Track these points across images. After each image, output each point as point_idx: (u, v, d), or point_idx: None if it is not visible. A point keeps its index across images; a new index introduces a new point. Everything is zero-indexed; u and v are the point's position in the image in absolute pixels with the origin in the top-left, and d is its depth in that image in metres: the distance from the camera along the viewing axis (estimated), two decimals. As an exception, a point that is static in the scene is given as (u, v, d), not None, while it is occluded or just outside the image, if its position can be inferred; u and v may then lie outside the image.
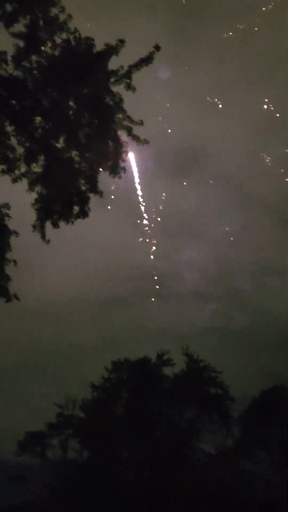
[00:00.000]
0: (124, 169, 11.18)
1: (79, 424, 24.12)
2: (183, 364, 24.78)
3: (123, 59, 10.75)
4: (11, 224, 10.71)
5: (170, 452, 23.05)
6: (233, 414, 23.81)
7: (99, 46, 10.41)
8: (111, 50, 10.28)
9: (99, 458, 23.59)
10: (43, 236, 11.27)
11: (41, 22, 10.32)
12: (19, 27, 10.30)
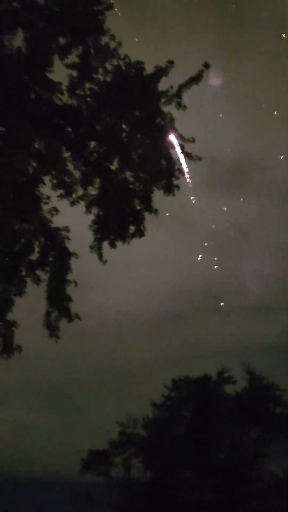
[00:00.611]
0: (177, 186, 11.24)
1: (141, 443, 24.03)
2: (245, 382, 24.07)
3: (173, 77, 10.91)
4: (70, 246, 11.03)
5: (236, 474, 22.28)
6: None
7: (148, 67, 10.63)
8: (161, 72, 10.48)
9: (162, 478, 23.27)
10: (100, 257, 11.52)
11: (92, 51, 10.72)
12: (72, 57, 10.76)
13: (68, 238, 10.98)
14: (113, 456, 24.68)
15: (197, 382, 24.37)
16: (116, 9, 10.37)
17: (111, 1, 10.34)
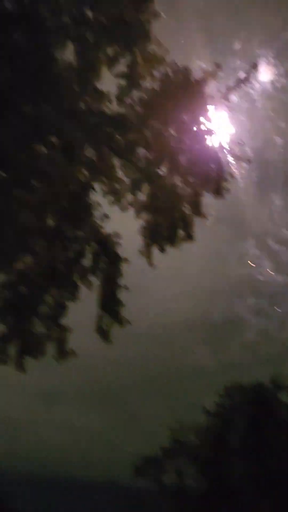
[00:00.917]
0: (227, 189, 11.12)
1: (194, 450, 23.77)
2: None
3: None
4: (121, 252, 11.18)
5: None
6: None
7: (195, 70, 10.62)
8: (208, 76, 10.44)
9: (217, 487, 22.87)
10: (150, 261, 11.58)
11: (140, 60, 10.87)
12: (120, 67, 10.96)
13: (119, 244, 11.13)
14: (165, 463, 24.56)
15: (251, 390, 23.81)
16: (162, 16, 10.45)
17: (157, 10, 10.46)
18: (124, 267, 11.19)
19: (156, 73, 10.78)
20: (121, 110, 10.99)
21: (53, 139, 10.16)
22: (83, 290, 10.75)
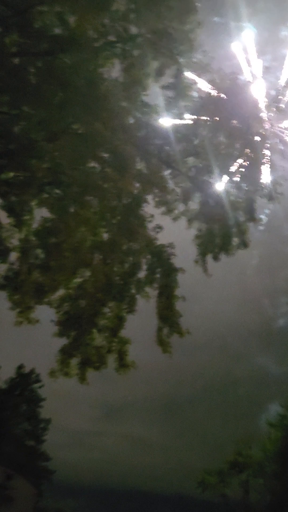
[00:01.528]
0: (281, 193, 10.83)
1: (259, 464, 22.97)
2: None
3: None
4: (176, 262, 11.13)
5: None
6: None
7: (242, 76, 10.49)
8: (256, 79, 10.28)
9: (281, 501, 21.89)
10: (205, 270, 11.45)
11: (185, 70, 10.89)
12: (166, 79, 11.02)
13: (174, 254, 11.09)
14: (231, 476, 23.92)
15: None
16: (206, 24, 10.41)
17: (200, 19, 10.43)
18: (180, 277, 11.12)
19: (202, 81, 10.76)
20: (173, 121, 11.04)
21: (105, 154, 10.36)
22: (142, 302, 10.78)
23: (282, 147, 10.99)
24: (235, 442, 23.80)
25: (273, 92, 10.65)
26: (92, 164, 10.08)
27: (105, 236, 10.52)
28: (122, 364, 10.20)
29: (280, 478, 22.02)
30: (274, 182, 11.18)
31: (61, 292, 10.22)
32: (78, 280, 10.26)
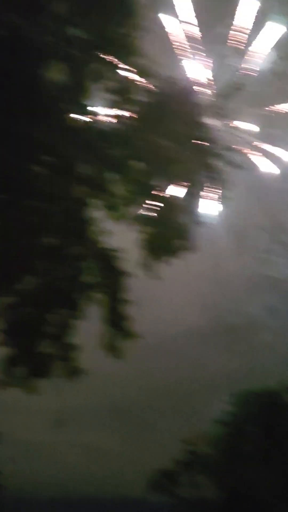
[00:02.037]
0: (227, 197, 11.12)
1: (209, 462, 23.43)
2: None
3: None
4: (125, 265, 11.10)
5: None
6: None
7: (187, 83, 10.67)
8: (200, 87, 10.49)
9: (234, 497, 22.52)
10: (155, 274, 11.53)
11: (130, 74, 10.91)
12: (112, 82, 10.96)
13: (121, 259, 11.04)
14: (181, 476, 24.20)
15: (262, 396, 23.60)
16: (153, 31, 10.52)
17: (145, 24, 10.50)
18: (130, 280, 11.10)
19: (148, 86, 10.82)
20: (114, 124, 11.00)
21: (48, 158, 10.15)
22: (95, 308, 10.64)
23: (225, 151, 11.26)
24: (186, 442, 24.12)
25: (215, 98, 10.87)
26: (36, 167, 9.84)
27: (50, 241, 10.30)
28: (71, 371, 10.02)
29: (229, 474, 22.62)
30: (220, 186, 11.43)
31: (4, 299, 9.87)
32: (22, 287, 9.96)
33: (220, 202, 11.21)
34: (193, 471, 23.61)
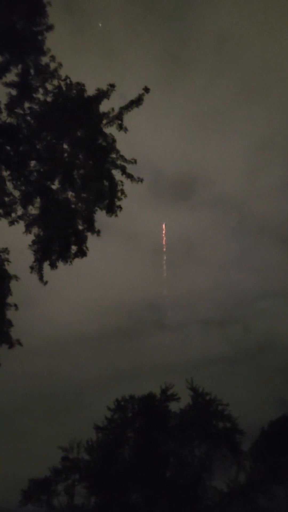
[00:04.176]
0: (120, 207, 11.26)
1: (85, 467, 23.34)
2: (189, 398, 24.24)
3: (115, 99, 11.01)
4: (11, 268, 10.66)
5: (182, 492, 22.22)
6: (245, 447, 23.14)
7: (90, 89, 10.67)
8: (102, 94, 10.55)
9: (108, 503, 22.69)
10: (41, 278, 11.23)
11: (32, 71, 10.61)
12: (11, 76, 10.57)
13: (8, 260, 10.59)
14: (56, 484, 23.72)
15: (141, 401, 24.20)
16: (56, 30, 10.36)
17: (51, 22, 10.34)
18: (14, 283, 10.68)
19: (49, 86, 10.61)
20: (12, 120, 10.58)
21: None
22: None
23: (122, 162, 11.37)
24: (62, 449, 23.76)
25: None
26: None
27: None
28: None
29: (105, 479, 22.77)
30: (113, 196, 11.53)
31: None
32: None
33: (114, 211, 11.31)
34: (68, 479, 23.32)
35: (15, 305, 10.38)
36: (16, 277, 10.58)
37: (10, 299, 10.42)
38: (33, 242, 11.39)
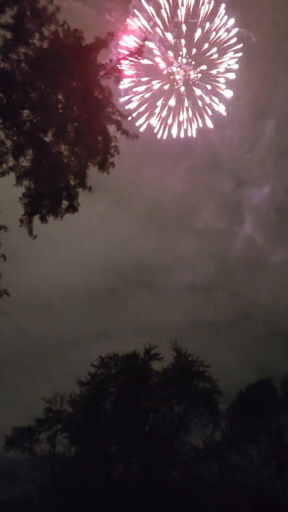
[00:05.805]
0: (113, 164, 11.05)
1: (67, 419, 24.10)
2: (173, 358, 24.83)
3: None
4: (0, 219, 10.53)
5: (159, 447, 23.15)
6: (222, 407, 24.01)
7: (88, 39, 10.23)
8: (100, 43, 10.13)
9: (88, 453, 23.61)
10: (30, 231, 11.13)
11: (28, 14, 10.11)
12: (6, 18, 10.08)
13: (-4, 211, 10.43)
14: (39, 433, 24.56)
15: (125, 360, 24.75)
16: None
17: None
18: (3, 235, 10.58)
19: (45, 31, 10.14)
20: (5, 65, 10.16)
21: None
22: None
23: (117, 117, 11.07)
24: (46, 400, 24.45)
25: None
26: None
27: None
28: None
29: (85, 429, 23.59)
30: (107, 152, 11.29)
31: None
32: None
33: (107, 168, 11.09)
34: (50, 429, 24.13)
35: (3, 256, 10.32)
36: (5, 228, 10.47)
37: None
38: (24, 195, 11.21)
